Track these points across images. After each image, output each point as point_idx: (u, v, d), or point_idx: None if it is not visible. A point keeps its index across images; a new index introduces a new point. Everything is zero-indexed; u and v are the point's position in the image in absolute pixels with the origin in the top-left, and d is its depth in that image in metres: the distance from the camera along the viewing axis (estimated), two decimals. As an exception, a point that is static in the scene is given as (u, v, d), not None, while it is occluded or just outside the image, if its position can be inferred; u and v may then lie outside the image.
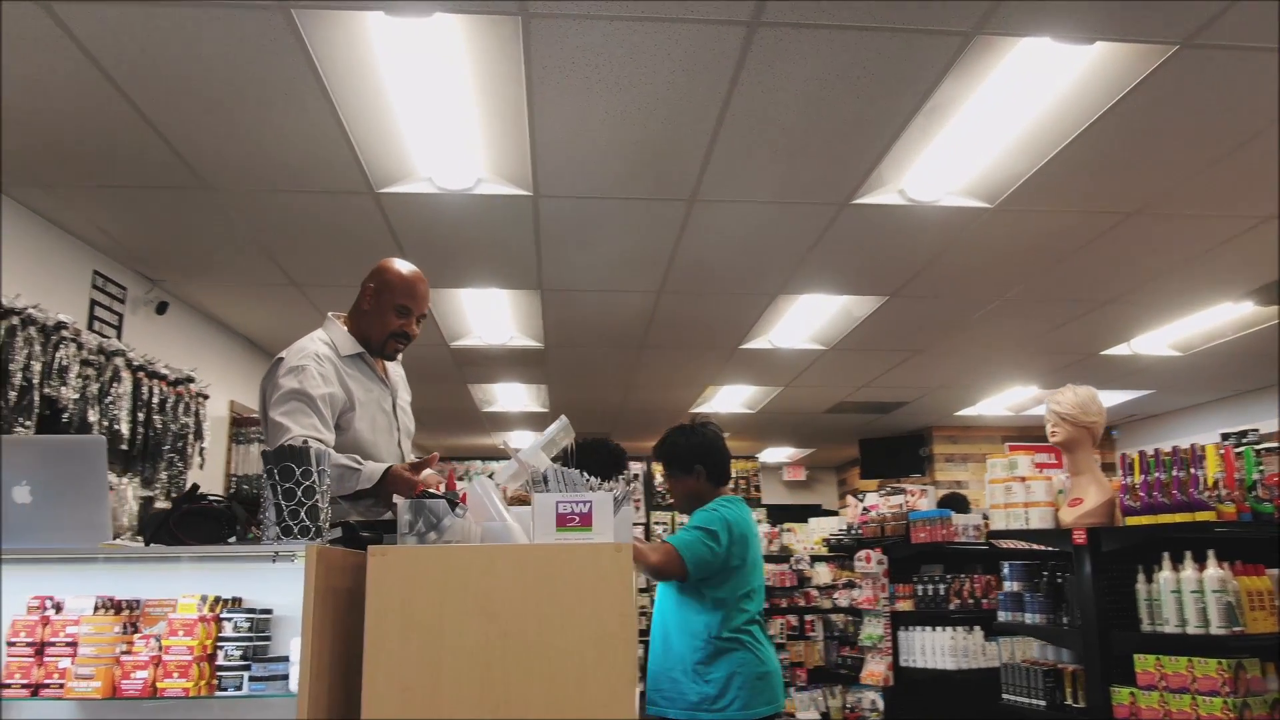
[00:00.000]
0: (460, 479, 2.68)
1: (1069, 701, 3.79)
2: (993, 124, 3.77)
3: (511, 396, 8.77)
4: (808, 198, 4.37)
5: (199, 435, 5.29)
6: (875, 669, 5.61)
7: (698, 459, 3.57)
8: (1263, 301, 5.94)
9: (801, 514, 9.29)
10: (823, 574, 7.67)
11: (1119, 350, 7.14)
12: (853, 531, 6.22)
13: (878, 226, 4.70)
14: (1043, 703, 3.86)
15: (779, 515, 10.90)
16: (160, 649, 2.13)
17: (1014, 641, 4.41)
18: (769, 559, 7.62)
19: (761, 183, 4.22)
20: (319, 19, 3.00)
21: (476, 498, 2.30)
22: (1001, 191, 4.32)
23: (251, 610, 2.16)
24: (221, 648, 2.14)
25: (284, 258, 5.11)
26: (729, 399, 9.03)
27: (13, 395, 3.78)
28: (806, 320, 6.46)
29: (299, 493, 2.04)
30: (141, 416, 4.74)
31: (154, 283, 5.29)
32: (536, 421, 9.97)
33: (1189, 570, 3.32)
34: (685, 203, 4.40)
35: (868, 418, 9.91)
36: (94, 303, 4.81)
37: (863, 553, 5.83)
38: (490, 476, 2.48)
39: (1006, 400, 9.21)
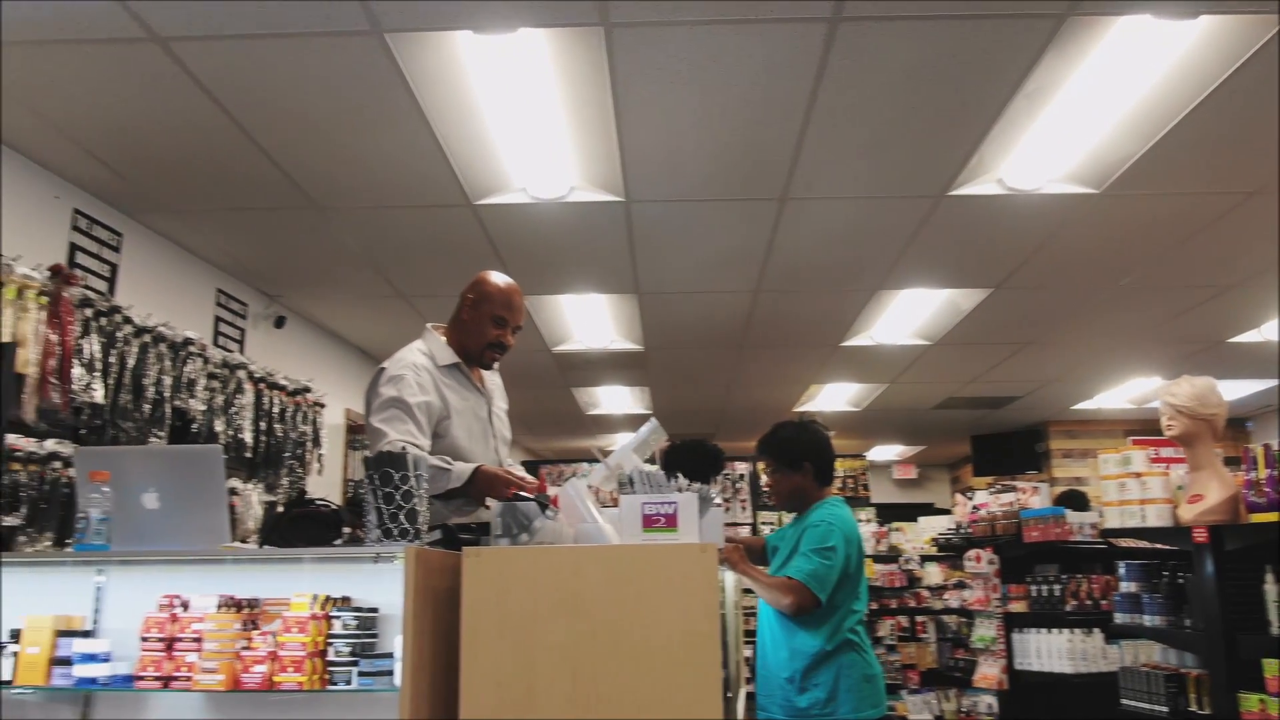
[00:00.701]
0: (558, 482, 2.76)
1: (1193, 708, 3.61)
2: (1094, 107, 3.64)
3: (614, 399, 8.88)
4: (901, 192, 4.30)
5: (316, 442, 5.55)
6: (989, 672, 5.46)
7: (806, 456, 3.48)
8: None
9: (910, 513, 9.08)
10: (933, 574, 7.49)
11: (1249, 337, 6.74)
12: (962, 531, 6.07)
13: (977, 217, 4.58)
14: (1165, 709, 3.69)
15: (888, 514, 10.68)
16: (276, 645, 2.27)
17: (1137, 645, 4.22)
18: (877, 559, 7.49)
19: (852, 178, 4.18)
20: (411, 42, 3.12)
21: (569, 500, 2.37)
22: (1108, 176, 4.15)
23: (359, 609, 2.27)
24: (331, 644, 2.26)
25: (391, 271, 5.32)
26: (833, 397, 8.93)
27: (147, 408, 4.05)
28: (909, 315, 6.33)
29: (398, 496, 2.14)
30: (263, 425, 5.01)
31: (272, 298, 5.59)
32: (639, 423, 10.04)
33: (1323, 570, 3.14)
34: (776, 202, 4.39)
35: (979, 413, 9.64)
36: (218, 319, 5.11)
37: (972, 552, 5.68)
38: (583, 478, 2.55)
39: (1128, 392, 8.82)
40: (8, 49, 3.11)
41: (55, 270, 3.66)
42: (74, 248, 4.06)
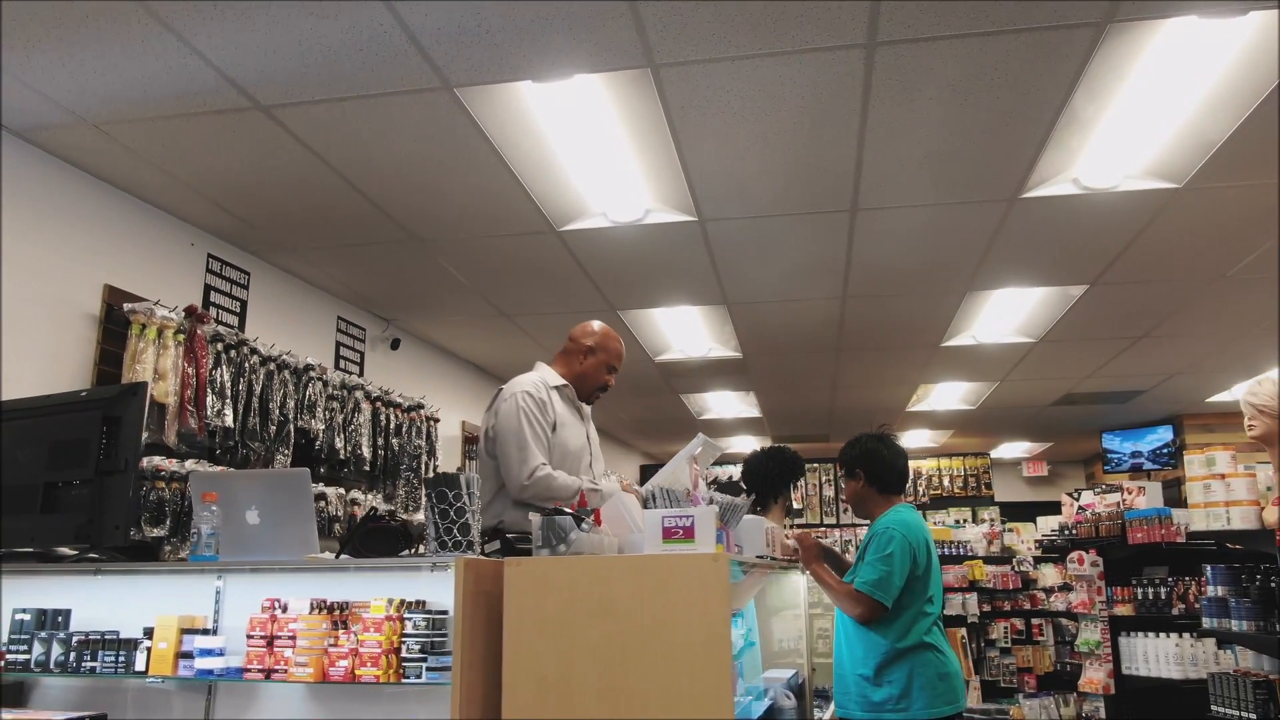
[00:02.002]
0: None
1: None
2: (1157, 104, 3.60)
3: (723, 404, 9.05)
4: (971, 197, 4.33)
5: (431, 454, 5.98)
6: (1094, 676, 5.36)
7: (859, 464, 3.67)
8: None
9: (1029, 512, 8.87)
10: (1049, 575, 7.32)
11: (1389, 322, 6.32)
12: (1066, 532, 5.95)
13: (1056, 218, 4.55)
14: (1254, 716, 3.61)
15: (1014, 513, 10.45)
16: (357, 642, 2.59)
17: (1248, 650, 4.11)
18: (989, 560, 7.38)
19: (919, 188, 4.24)
20: (478, 93, 3.42)
21: (615, 511, 2.60)
22: (1188, 170, 4.07)
23: (429, 611, 2.56)
24: (404, 642, 2.57)
25: (492, 293, 5.68)
26: (946, 396, 8.82)
27: (273, 429, 4.52)
28: (1007, 314, 6.26)
29: (451, 512, 2.42)
30: (380, 441, 5.46)
31: (388, 322, 6.05)
32: (752, 426, 10.19)
33: None
34: (847, 213, 4.49)
35: (1104, 408, 9.30)
36: (339, 344, 5.60)
37: (1075, 554, 5.59)
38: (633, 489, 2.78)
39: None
40: (136, 124, 3.60)
41: (190, 311, 4.16)
42: (209, 288, 4.58)
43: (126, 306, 3.93)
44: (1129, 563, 5.47)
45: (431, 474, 6.05)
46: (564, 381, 3.46)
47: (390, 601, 2.64)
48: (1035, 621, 7.32)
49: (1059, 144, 3.86)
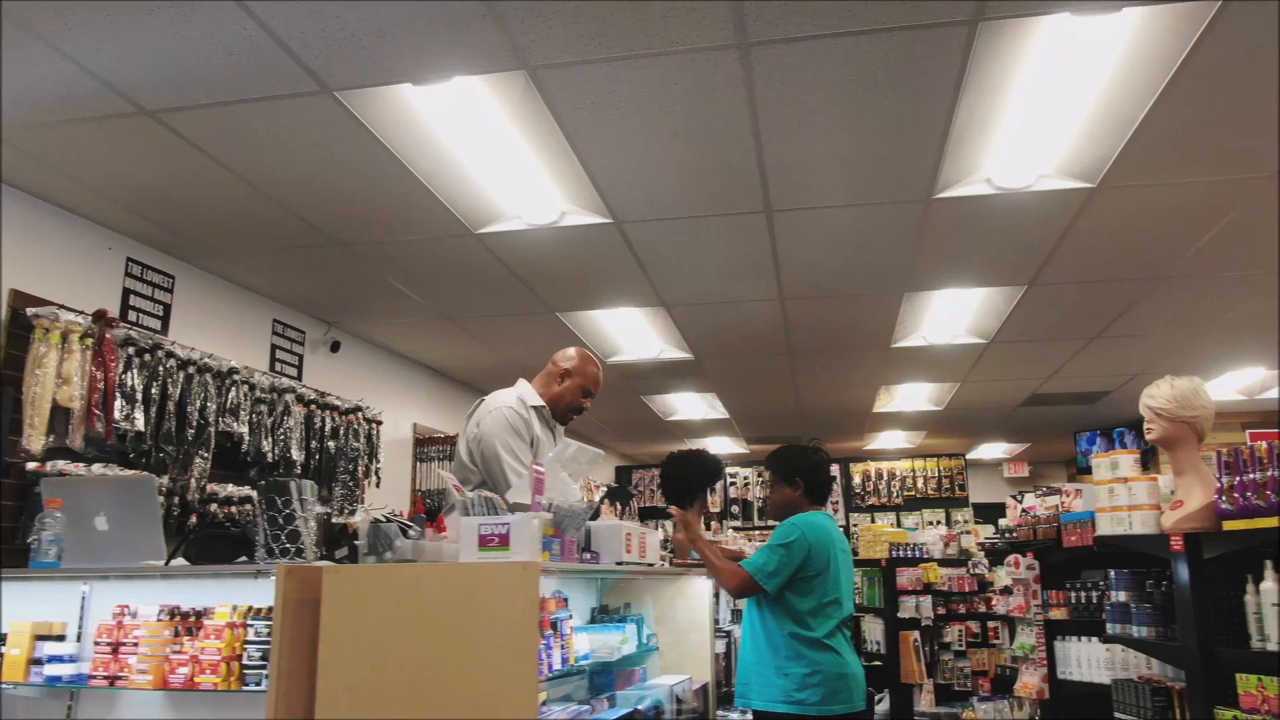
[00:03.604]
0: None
1: (1178, 722, 3.47)
2: (1055, 103, 3.55)
3: (688, 405, 9.03)
4: (886, 198, 4.29)
5: (373, 457, 5.98)
6: (1029, 680, 5.30)
7: (800, 474, 3.84)
8: None
9: (1003, 514, 8.78)
10: (1004, 578, 7.23)
11: (1345, 322, 6.23)
12: (1007, 535, 5.88)
13: (978, 218, 4.50)
14: (1151, 723, 3.55)
15: (989, 514, 10.36)
16: (199, 650, 2.59)
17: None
18: (944, 563, 7.31)
19: (830, 189, 4.21)
20: (362, 97, 3.41)
21: (454, 526, 2.58)
22: (1099, 169, 4.02)
23: (271, 619, 2.55)
24: (246, 649, 2.56)
25: (429, 297, 5.68)
26: (912, 397, 8.77)
27: (191, 433, 4.53)
28: (954, 315, 6.21)
29: (280, 519, 2.41)
30: (314, 444, 5.46)
31: (329, 325, 6.06)
32: (722, 428, 10.15)
33: (1289, 580, 2.97)
34: (763, 214, 4.46)
35: (1076, 409, 9.22)
36: (275, 347, 5.61)
37: (1011, 557, 5.53)
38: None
39: (1238, 383, 8.25)
40: (33, 130, 3.61)
41: (99, 315, 4.17)
42: (128, 292, 4.59)
43: (30, 311, 3.95)
44: (1070, 566, 5.38)
45: (376, 476, 6.06)
46: (542, 403, 3.60)
47: (235, 608, 2.64)
48: (991, 624, 7.24)
49: (962, 144, 3.82)
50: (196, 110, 3.49)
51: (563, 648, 2.91)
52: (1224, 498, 3.21)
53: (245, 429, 4.88)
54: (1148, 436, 3.62)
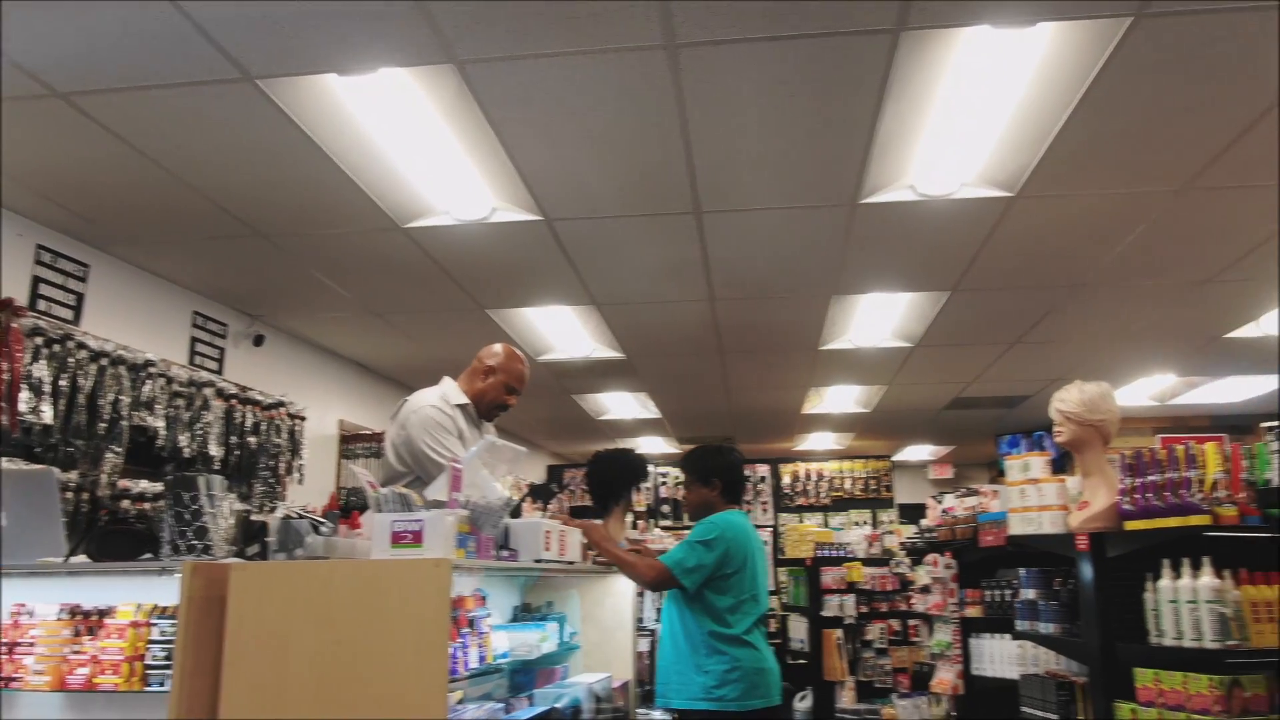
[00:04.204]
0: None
1: (1080, 716, 3.58)
2: (976, 113, 3.64)
3: (620, 405, 9.04)
4: (812, 201, 4.35)
5: (295, 453, 5.86)
6: (945, 677, 5.43)
7: (717, 474, 3.90)
8: (1393, 271, 5.29)
9: (917, 514, 9.00)
10: (925, 577, 7.40)
11: (1247, 331, 6.50)
12: (927, 534, 6.03)
13: (901, 224, 4.59)
14: (1056, 716, 3.67)
15: (913, 514, 10.58)
16: (99, 650, 2.51)
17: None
18: (868, 562, 7.45)
19: (759, 192, 4.25)
20: (285, 86, 3.35)
21: (369, 522, 2.54)
22: (1018, 178, 4.13)
23: (176, 617, 2.48)
24: (150, 649, 2.49)
25: (355, 291, 5.59)
26: (841, 398, 8.90)
27: (102, 426, 4.39)
28: (880, 318, 6.32)
29: (187, 515, 2.36)
30: (234, 439, 5.34)
31: (252, 318, 5.92)
32: (654, 428, 10.19)
33: (1185, 579, 3.09)
34: (692, 215, 4.49)
35: (997, 412, 9.47)
36: (194, 339, 5.46)
37: (930, 556, 5.66)
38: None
39: (1149, 389, 8.55)
40: (-66, 108, 3.47)
41: (3, 304, 4.01)
42: (37, 280, 4.43)
43: (-71, 298, 3.79)
44: (986, 565, 5.52)
45: (298, 473, 5.95)
46: (466, 400, 3.57)
47: (139, 607, 2.57)
48: (911, 622, 7.41)
49: (887, 150, 3.90)
50: (112, 94, 3.39)
51: (480, 646, 2.89)
52: (1126, 499, 3.34)
53: (161, 423, 4.74)
54: (1057, 439, 3.74)
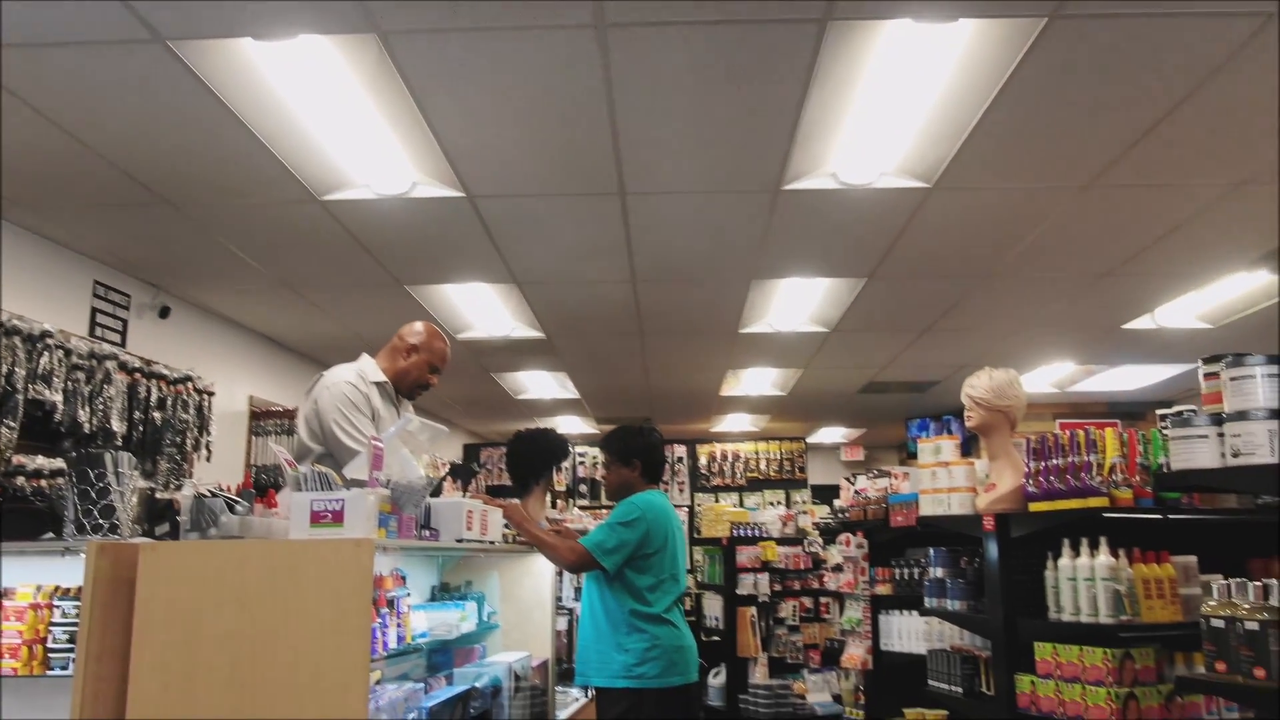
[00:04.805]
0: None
1: (983, 689, 3.74)
2: (896, 104, 3.72)
3: (538, 384, 9.00)
4: (736, 187, 4.39)
5: (203, 429, 5.68)
6: (854, 652, 5.58)
7: (638, 454, 3.95)
8: (1274, 268, 5.60)
9: (828, 494, 9.24)
10: (837, 556, 7.60)
11: (1142, 324, 6.82)
12: (840, 515, 6.18)
13: (822, 211, 4.67)
14: (960, 689, 3.82)
15: (825, 495, 10.84)
16: (-2, 632, 2.40)
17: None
18: (782, 541, 7.61)
19: (683, 175, 4.27)
20: (198, 49, 3.21)
21: (286, 501, 2.49)
22: (935, 169, 4.23)
23: (80, 599, 2.39)
24: (52, 632, 2.40)
25: (268, 264, 5.43)
26: (758, 381, 9.03)
27: (-5, 399, 4.18)
28: (799, 304, 6.43)
29: (93, 493, 2.27)
30: (138, 415, 5.14)
31: (157, 289, 5.70)
32: (572, 408, 10.19)
33: (1083, 558, 3.24)
34: (616, 196, 4.48)
35: (908, 397, 9.74)
36: (95, 310, 5.23)
37: (842, 536, 5.81)
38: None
39: (1050, 376, 8.90)
40: None
41: (-114, 269, 3.78)
42: (-77, 245, 4.18)
43: None
44: (896, 544, 5.69)
45: (206, 450, 5.77)
46: (384, 378, 3.51)
47: (39, 588, 2.47)
48: (823, 600, 7.60)
49: (809, 138, 3.95)
50: (10, 50, 3.19)
51: (399, 626, 2.87)
52: (1031, 481, 3.47)
53: (59, 397, 4.54)
54: (967, 423, 3.88)
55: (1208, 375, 2.10)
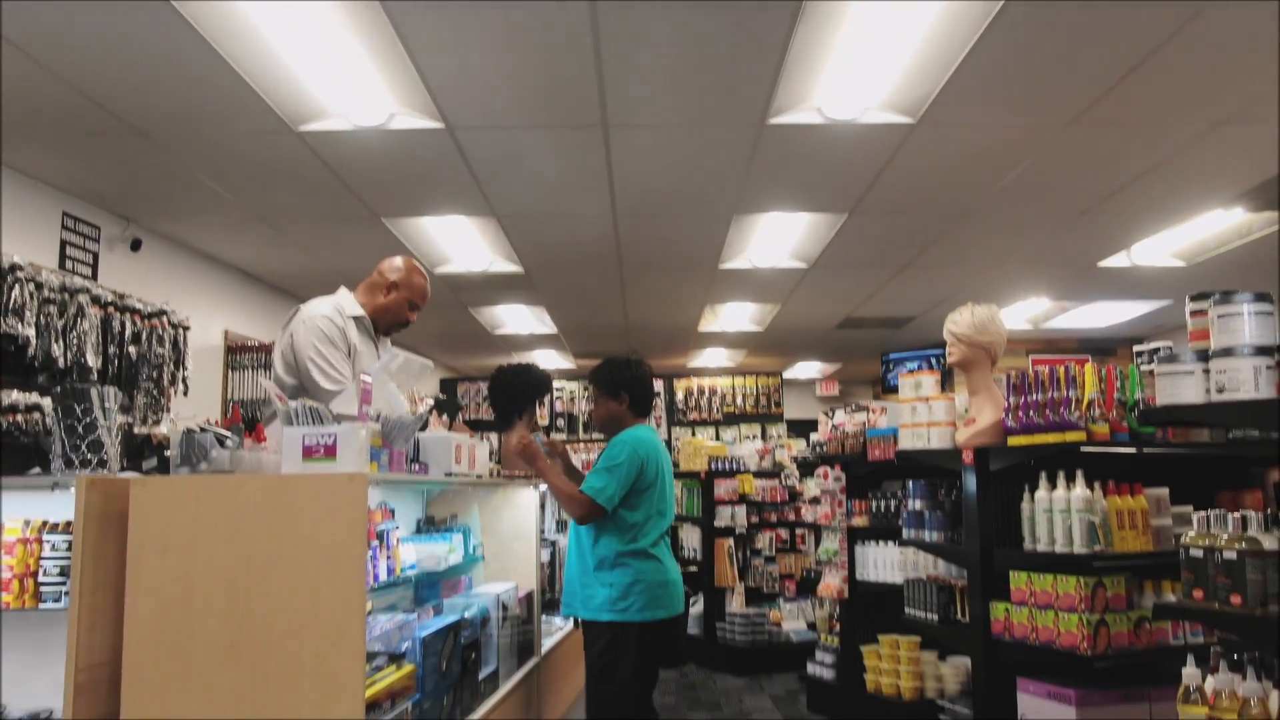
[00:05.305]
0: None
1: (958, 617, 3.85)
2: (883, 38, 3.67)
3: (516, 319, 8.96)
4: (720, 119, 4.33)
5: (180, 364, 5.62)
6: (831, 582, 5.72)
7: (626, 388, 3.88)
8: (1253, 206, 5.65)
9: (803, 429, 9.35)
10: (813, 488, 7.73)
11: (1118, 261, 6.88)
12: (818, 448, 6.27)
13: (805, 146, 4.63)
14: (936, 616, 3.93)
15: (800, 429, 10.97)
16: (-13, 567, 2.39)
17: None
18: (759, 475, 7.72)
19: (668, 107, 4.21)
20: (168, -31, 3.10)
21: (275, 436, 2.48)
22: (920, 105, 4.20)
23: (70, 534, 2.39)
24: (43, 566, 2.40)
25: (242, 196, 5.32)
26: (736, 317, 9.05)
27: (-34, 334, 4.10)
28: (779, 239, 6.41)
29: (80, 428, 2.24)
30: (113, 349, 5.07)
31: (128, 221, 5.58)
32: (550, 343, 10.17)
33: (1059, 490, 3.31)
34: (599, 128, 4.42)
35: (884, 333, 9.80)
36: (65, 243, 5.12)
37: (821, 469, 5.89)
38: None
39: (1026, 312, 8.99)
40: None
41: None
42: (-116, 174, 4.05)
43: None
44: (873, 477, 5.78)
45: (183, 384, 5.72)
46: (362, 313, 3.46)
47: (27, 523, 2.46)
48: (799, 531, 7.74)
49: (795, 72, 3.90)
50: (-32, -31, 3.07)
51: (389, 558, 2.90)
52: (1010, 416, 3.53)
53: (31, 331, 4.46)
54: (949, 359, 3.92)
55: (1195, 312, 2.12)
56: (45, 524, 2.47)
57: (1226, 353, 1.92)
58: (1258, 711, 1.89)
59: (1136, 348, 3.89)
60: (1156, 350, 4.00)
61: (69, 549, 2.36)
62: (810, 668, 6.05)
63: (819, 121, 4.35)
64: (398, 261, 3.59)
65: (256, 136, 4.44)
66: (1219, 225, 6.13)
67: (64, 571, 2.37)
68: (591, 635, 3.60)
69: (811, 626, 7.18)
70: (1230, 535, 1.95)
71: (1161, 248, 6.66)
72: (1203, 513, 2.08)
